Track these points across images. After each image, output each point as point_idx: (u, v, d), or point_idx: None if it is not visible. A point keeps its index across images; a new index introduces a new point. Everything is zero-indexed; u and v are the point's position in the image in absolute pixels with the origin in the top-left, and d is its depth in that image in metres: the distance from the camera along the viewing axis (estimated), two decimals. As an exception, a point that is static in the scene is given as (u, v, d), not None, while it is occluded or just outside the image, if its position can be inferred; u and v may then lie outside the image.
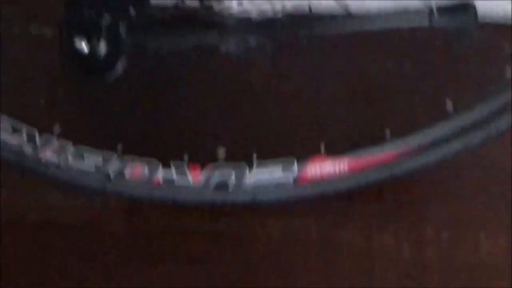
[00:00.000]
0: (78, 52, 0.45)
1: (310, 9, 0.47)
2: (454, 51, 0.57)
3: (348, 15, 0.46)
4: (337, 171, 0.50)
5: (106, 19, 0.45)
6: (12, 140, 0.47)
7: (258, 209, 0.53)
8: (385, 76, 0.60)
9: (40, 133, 0.48)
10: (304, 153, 0.50)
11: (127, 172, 0.48)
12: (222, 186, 0.49)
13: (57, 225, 0.54)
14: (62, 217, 0.54)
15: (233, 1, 0.45)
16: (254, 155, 0.50)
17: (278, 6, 0.45)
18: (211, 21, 0.45)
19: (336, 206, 0.54)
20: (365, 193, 0.53)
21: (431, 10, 0.45)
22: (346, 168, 0.50)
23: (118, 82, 0.47)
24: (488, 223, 0.54)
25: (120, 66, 0.46)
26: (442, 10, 0.45)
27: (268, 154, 0.50)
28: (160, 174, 0.49)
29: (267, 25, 0.46)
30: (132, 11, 0.46)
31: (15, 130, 0.48)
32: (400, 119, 0.55)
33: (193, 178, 0.49)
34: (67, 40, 0.46)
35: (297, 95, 0.59)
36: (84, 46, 0.45)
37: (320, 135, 0.52)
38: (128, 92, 0.57)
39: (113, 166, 0.48)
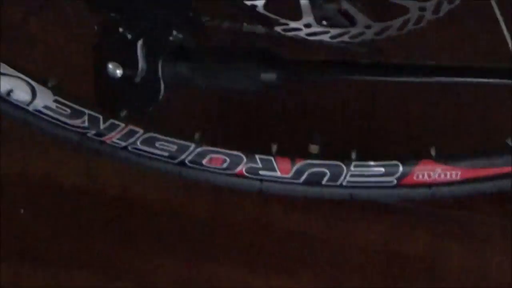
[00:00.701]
0: (111, 79, 0.44)
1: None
2: None
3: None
4: (448, 178, 0.44)
5: (143, 45, 0.43)
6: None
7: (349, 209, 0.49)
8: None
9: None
10: (411, 156, 0.45)
11: (205, 160, 0.48)
12: (314, 181, 0.47)
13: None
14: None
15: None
16: (354, 153, 0.46)
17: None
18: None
19: (445, 215, 0.48)
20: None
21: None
22: (459, 175, 0.44)
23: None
24: None
25: (158, 97, 0.44)
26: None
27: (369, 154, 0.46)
28: (245, 164, 0.47)
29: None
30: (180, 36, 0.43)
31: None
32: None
33: (281, 171, 0.46)
34: (100, 65, 0.44)
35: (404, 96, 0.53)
36: (117, 72, 0.43)
37: (431, 139, 0.46)
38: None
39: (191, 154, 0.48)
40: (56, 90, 0.46)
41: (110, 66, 0.43)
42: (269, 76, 0.42)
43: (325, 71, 0.45)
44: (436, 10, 0.42)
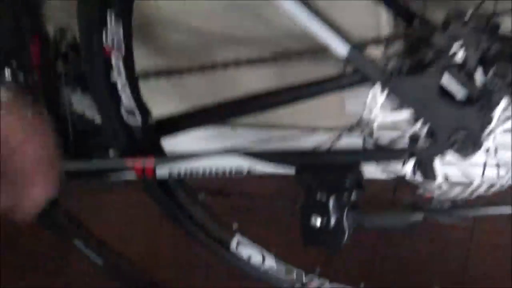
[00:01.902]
0: (312, 228, 0.57)
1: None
2: None
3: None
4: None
5: (332, 202, 0.56)
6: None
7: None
8: None
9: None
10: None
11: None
12: None
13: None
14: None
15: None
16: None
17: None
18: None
19: None
20: None
21: None
22: None
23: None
24: None
25: (344, 240, 0.57)
26: None
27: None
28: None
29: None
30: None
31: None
32: None
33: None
34: (305, 218, 0.57)
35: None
36: (317, 223, 0.57)
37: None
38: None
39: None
40: (278, 256, 0.69)
41: (313, 219, 0.57)
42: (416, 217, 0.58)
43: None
44: None
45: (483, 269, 0.82)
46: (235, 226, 0.69)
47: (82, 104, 0.63)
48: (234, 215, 0.70)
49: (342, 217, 0.57)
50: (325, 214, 0.56)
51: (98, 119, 0.64)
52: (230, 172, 0.56)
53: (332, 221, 0.56)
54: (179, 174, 0.57)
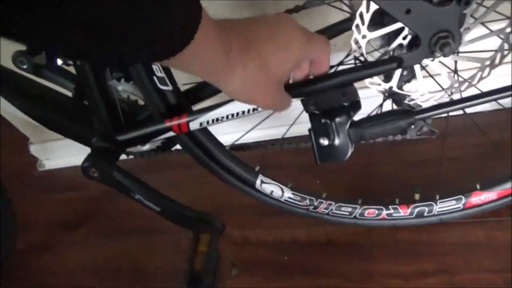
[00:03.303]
0: (322, 147, 0.67)
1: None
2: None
3: None
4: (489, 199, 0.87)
5: (334, 123, 0.65)
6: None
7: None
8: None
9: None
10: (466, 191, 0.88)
11: (366, 213, 0.92)
12: (420, 214, 0.90)
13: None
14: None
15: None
16: (437, 196, 0.90)
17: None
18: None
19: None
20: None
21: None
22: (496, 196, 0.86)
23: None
24: None
25: (349, 152, 0.67)
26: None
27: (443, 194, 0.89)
28: (385, 212, 0.92)
29: None
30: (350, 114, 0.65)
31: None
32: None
33: (403, 212, 0.90)
34: (315, 140, 0.66)
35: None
36: (325, 142, 0.66)
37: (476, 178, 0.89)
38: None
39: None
40: (293, 188, 0.87)
41: (321, 140, 0.66)
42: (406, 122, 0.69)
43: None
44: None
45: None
46: (257, 168, 0.84)
47: (126, 91, 0.78)
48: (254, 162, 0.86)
49: (344, 133, 0.65)
50: (330, 134, 0.65)
51: (140, 102, 0.81)
52: (248, 112, 0.67)
53: (337, 139, 0.65)
54: (207, 122, 0.70)
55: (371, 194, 0.96)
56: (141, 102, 0.80)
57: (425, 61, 0.64)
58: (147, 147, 0.83)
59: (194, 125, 0.71)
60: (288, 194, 0.86)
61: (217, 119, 0.70)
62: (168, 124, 0.73)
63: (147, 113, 0.80)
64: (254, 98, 0.52)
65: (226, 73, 0.46)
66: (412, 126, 0.74)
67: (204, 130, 0.78)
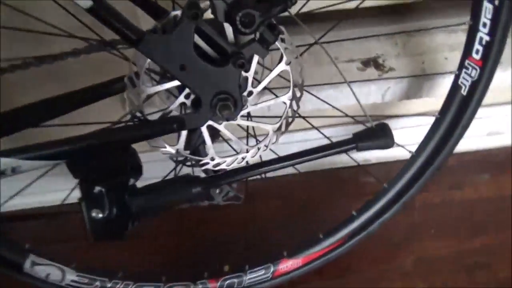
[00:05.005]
0: (97, 221, 0.56)
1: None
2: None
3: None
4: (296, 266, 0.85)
5: (109, 192, 0.55)
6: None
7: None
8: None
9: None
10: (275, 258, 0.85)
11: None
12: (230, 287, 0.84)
13: None
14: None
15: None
16: (247, 267, 0.85)
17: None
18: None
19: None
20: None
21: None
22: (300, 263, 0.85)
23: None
24: None
25: (132, 227, 0.58)
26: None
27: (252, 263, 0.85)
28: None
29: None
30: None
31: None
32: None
33: (212, 287, 0.83)
34: (88, 213, 0.56)
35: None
36: (99, 215, 0.56)
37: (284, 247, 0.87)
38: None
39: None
40: (78, 269, 0.73)
41: (93, 213, 0.56)
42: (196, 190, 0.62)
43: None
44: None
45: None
46: (27, 245, 0.68)
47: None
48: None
49: (123, 204, 0.57)
50: (105, 205, 0.56)
51: None
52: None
53: (114, 210, 0.56)
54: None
55: (177, 268, 0.87)
56: None
57: (218, 124, 0.60)
58: None
59: None
60: (71, 276, 0.72)
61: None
62: None
63: None
64: None
65: None
66: (217, 191, 0.70)
67: None
